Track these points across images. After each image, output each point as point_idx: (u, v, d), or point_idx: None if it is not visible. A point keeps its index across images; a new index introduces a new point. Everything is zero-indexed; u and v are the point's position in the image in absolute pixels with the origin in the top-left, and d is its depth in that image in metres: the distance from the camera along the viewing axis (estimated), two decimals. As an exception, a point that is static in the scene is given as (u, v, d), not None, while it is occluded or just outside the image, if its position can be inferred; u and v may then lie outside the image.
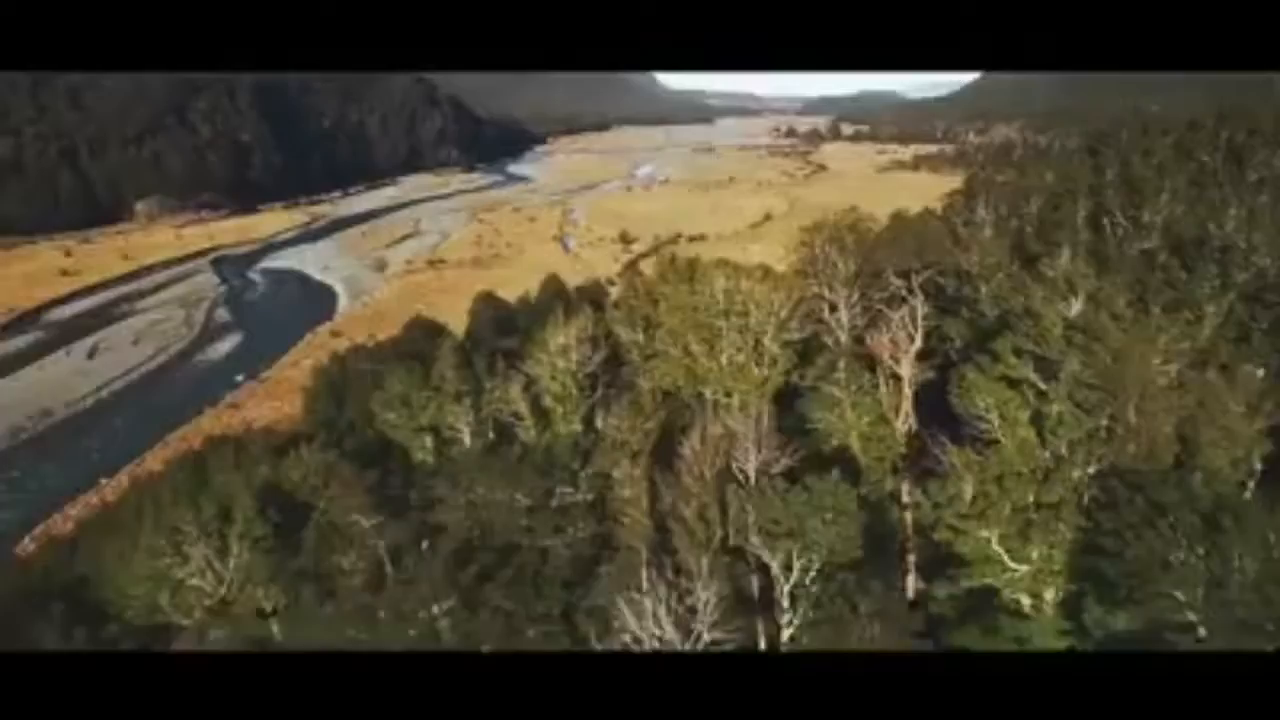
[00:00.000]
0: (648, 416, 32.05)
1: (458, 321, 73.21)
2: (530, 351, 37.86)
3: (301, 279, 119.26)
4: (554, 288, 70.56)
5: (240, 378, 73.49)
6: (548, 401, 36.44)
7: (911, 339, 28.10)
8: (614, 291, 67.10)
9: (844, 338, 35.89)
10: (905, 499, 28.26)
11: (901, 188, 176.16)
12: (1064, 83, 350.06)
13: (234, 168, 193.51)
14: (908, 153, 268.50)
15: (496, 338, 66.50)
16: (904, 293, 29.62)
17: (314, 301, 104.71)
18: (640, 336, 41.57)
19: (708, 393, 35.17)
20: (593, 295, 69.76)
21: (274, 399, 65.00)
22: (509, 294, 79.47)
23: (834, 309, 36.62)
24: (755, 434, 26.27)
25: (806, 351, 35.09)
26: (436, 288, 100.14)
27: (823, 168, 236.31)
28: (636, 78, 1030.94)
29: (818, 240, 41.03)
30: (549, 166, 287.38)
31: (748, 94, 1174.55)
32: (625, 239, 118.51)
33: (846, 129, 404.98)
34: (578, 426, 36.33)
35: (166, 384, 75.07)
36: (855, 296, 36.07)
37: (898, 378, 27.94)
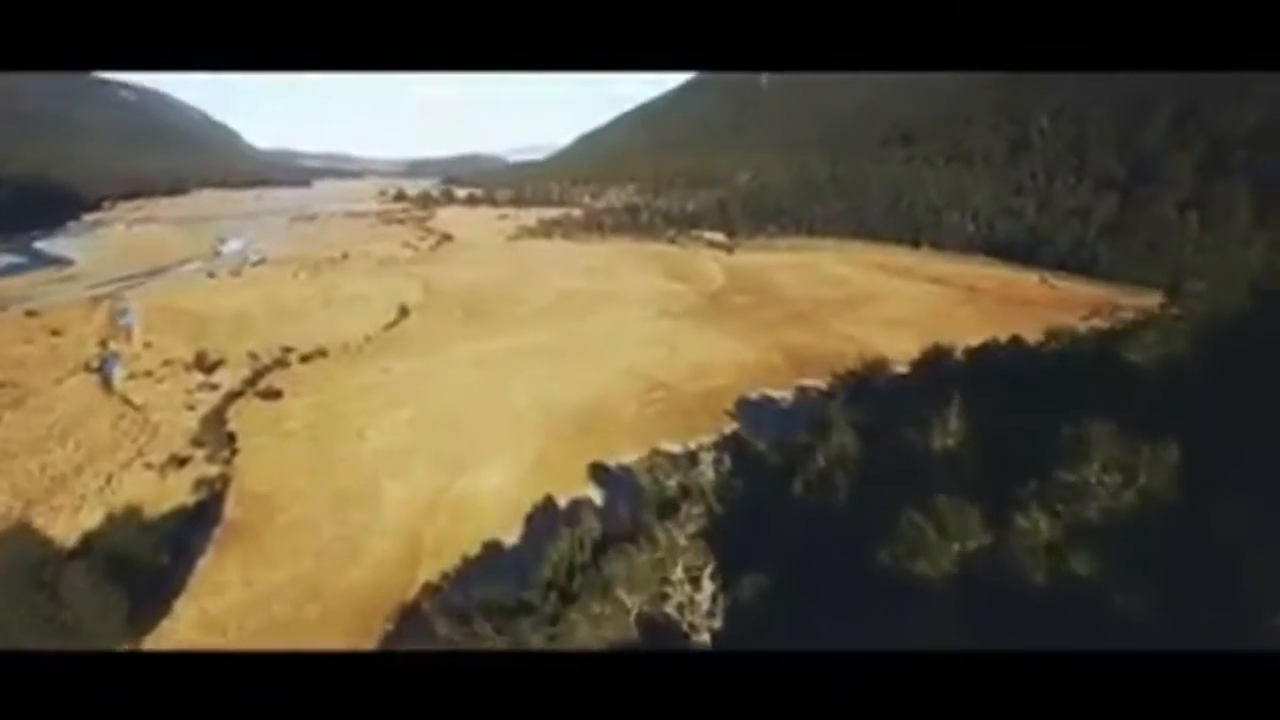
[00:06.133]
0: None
1: None
2: None
3: None
4: (18, 557, 33.81)
5: None
6: None
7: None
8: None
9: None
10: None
11: (543, 258, 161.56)
12: (663, 147, 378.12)
13: None
14: (530, 217, 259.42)
15: None
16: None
17: None
18: None
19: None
20: (119, 552, 36.55)
21: None
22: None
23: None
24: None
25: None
26: None
27: (448, 237, 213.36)
28: (217, 131, 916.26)
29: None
30: (100, 242, 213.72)
31: (345, 154, 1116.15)
32: (203, 363, 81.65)
33: (460, 192, 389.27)
34: None
35: None
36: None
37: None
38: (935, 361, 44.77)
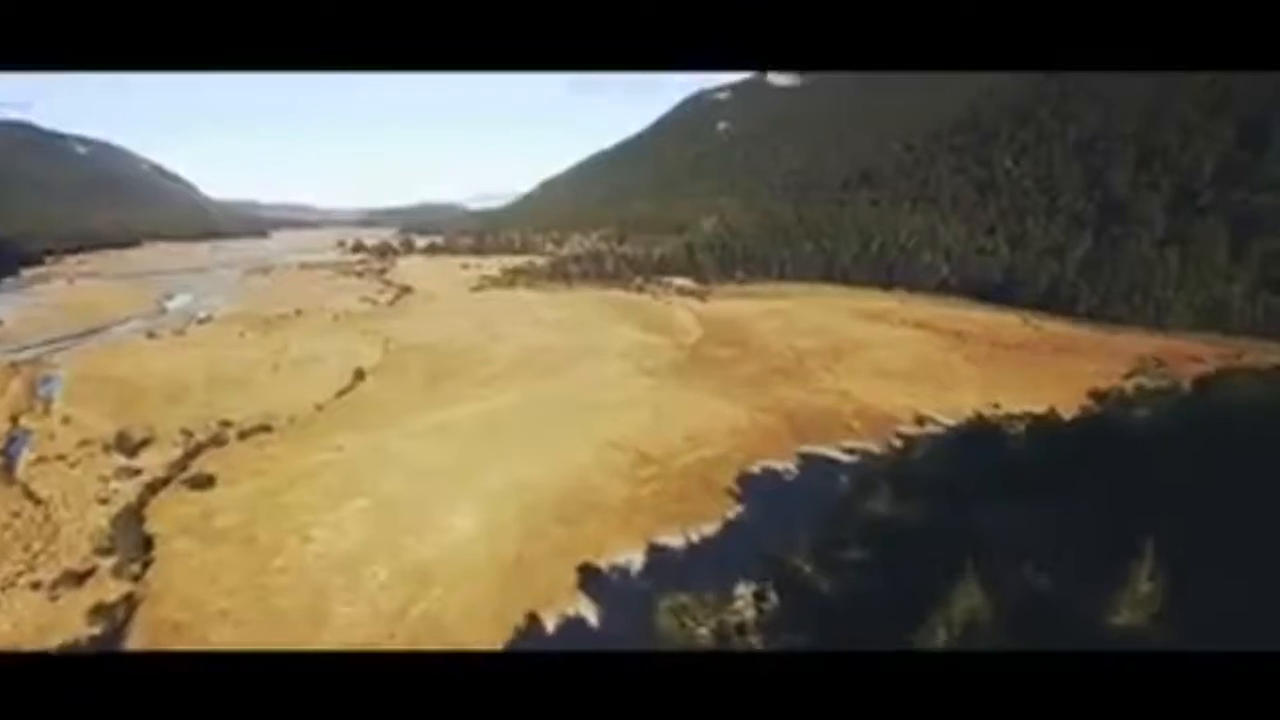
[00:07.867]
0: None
1: None
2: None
3: None
4: None
5: None
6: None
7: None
8: None
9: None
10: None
11: (509, 311, 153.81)
12: (624, 193, 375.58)
13: None
14: (493, 266, 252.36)
15: None
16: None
17: None
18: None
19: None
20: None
21: None
22: None
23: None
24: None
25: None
26: None
27: (407, 289, 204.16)
28: (172, 183, 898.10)
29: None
30: (35, 300, 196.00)
31: (304, 205, 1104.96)
32: (125, 443, 71.88)
33: (420, 241, 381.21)
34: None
35: None
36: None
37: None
38: (984, 435, 38.22)
